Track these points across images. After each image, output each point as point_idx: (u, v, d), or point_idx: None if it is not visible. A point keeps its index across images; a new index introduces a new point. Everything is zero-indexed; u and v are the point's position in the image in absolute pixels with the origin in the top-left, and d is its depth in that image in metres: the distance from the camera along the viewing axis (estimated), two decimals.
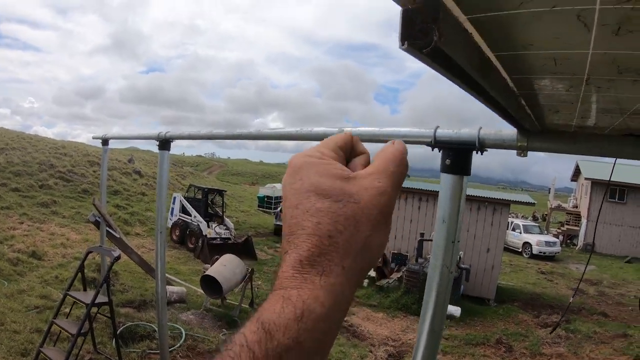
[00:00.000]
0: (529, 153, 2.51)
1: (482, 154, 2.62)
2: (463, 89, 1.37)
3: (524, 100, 2.14)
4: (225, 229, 23.36)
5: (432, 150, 2.65)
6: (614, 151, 2.35)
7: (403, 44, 0.91)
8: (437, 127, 2.64)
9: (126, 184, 32.03)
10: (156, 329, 8.56)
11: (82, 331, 7.14)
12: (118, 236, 10.40)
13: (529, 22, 1.11)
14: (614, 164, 3.08)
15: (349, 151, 0.75)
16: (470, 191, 21.65)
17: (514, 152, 2.54)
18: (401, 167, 0.70)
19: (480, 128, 2.57)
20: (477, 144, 2.57)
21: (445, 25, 0.94)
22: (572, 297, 15.31)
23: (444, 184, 2.62)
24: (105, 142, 7.64)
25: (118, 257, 7.83)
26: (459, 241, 2.67)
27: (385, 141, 2.96)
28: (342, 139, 0.74)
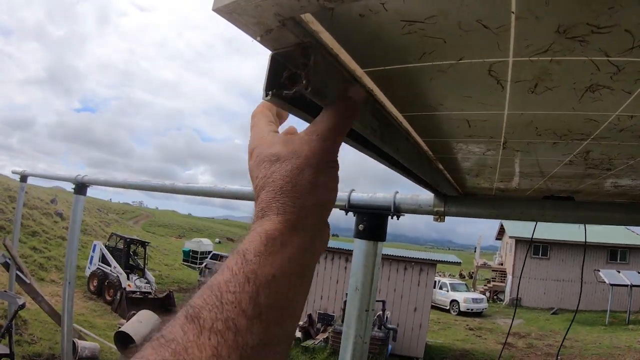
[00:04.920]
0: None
1: (398, 219, 2.47)
2: (362, 151, 1.20)
3: (441, 165, 2.02)
4: (146, 283, 22.36)
5: (346, 214, 2.50)
6: (534, 214, 2.24)
7: (267, 95, 0.75)
8: (352, 190, 2.52)
9: (46, 225, 30.16)
10: None
11: None
12: (28, 281, 9.76)
13: (435, 78, 0.96)
14: (536, 223, 3.01)
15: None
16: (397, 252, 21.92)
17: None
18: (341, 119, 0.79)
19: (397, 192, 2.45)
20: (392, 209, 2.44)
21: (325, 74, 0.77)
22: (500, 354, 15.42)
23: (357, 250, 2.45)
24: (23, 178, 7.14)
25: (23, 306, 7.29)
26: (373, 309, 2.50)
27: None
28: (269, 109, 0.91)
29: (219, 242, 79.35)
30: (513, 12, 0.67)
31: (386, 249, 23.55)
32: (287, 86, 0.75)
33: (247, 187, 3.13)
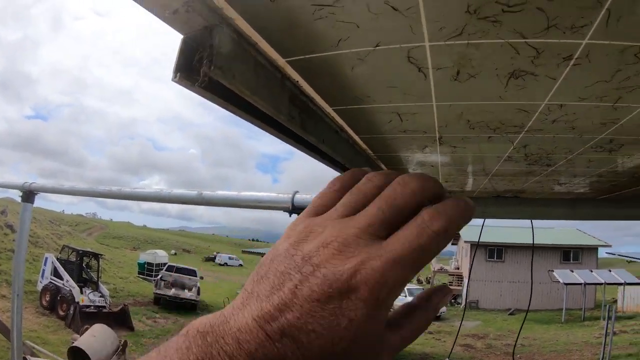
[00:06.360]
0: None
1: None
2: (283, 140, 1.18)
3: (383, 165, 2.02)
4: (100, 296, 21.45)
5: (290, 216, 2.48)
6: (477, 211, 2.24)
7: (175, 76, 0.72)
8: (296, 192, 2.50)
9: None
10: None
11: None
12: None
13: (357, 67, 0.94)
14: (482, 225, 3.03)
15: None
16: None
17: None
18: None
19: None
20: None
21: (232, 55, 0.75)
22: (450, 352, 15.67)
23: None
24: None
25: None
26: None
27: (244, 206, 2.78)
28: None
29: (175, 254, 78.15)
30: None
31: None
32: (197, 70, 0.73)
33: (192, 191, 3.09)
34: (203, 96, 0.80)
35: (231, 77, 0.75)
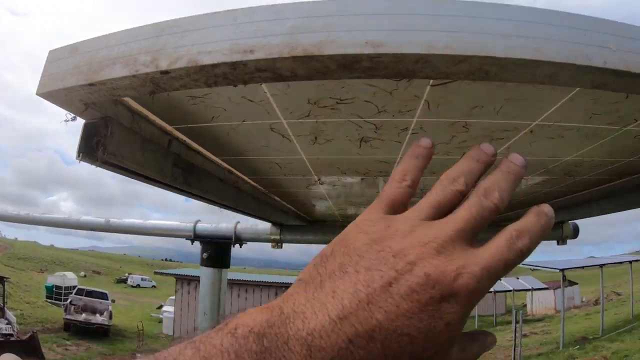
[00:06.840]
0: None
1: (241, 247, 2.66)
2: (173, 191, 1.37)
3: (277, 197, 2.21)
4: (7, 323, 20.18)
5: (192, 244, 2.65)
6: None
7: (78, 156, 0.89)
8: (198, 221, 2.67)
9: None
10: None
11: None
12: None
13: (231, 133, 1.15)
14: None
15: None
16: (269, 278, 21.87)
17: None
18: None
19: (238, 222, 2.64)
20: (233, 238, 2.61)
21: (123, 141, 0.93)
22: None
23: (204, 277, 2.63)
24: None
25: None
26: None
27: (149, 234, 2.91)
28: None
29: (84, 276, 75.09)
30: (266, 92, 0.86)
31: (253, 275, 23.40)
32: (96, 150, 0.90)
33: (99, 218, 3.17)
34: (103, 168, 0.98)
35: (121, 158, 0.93)
